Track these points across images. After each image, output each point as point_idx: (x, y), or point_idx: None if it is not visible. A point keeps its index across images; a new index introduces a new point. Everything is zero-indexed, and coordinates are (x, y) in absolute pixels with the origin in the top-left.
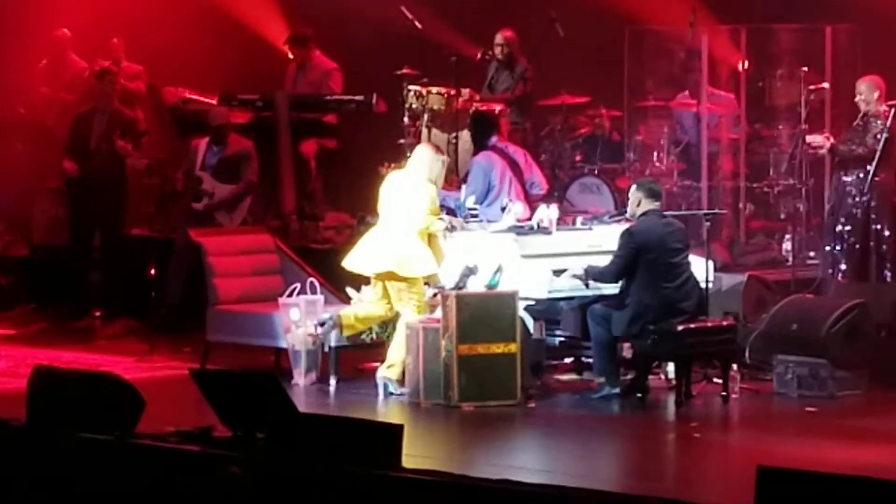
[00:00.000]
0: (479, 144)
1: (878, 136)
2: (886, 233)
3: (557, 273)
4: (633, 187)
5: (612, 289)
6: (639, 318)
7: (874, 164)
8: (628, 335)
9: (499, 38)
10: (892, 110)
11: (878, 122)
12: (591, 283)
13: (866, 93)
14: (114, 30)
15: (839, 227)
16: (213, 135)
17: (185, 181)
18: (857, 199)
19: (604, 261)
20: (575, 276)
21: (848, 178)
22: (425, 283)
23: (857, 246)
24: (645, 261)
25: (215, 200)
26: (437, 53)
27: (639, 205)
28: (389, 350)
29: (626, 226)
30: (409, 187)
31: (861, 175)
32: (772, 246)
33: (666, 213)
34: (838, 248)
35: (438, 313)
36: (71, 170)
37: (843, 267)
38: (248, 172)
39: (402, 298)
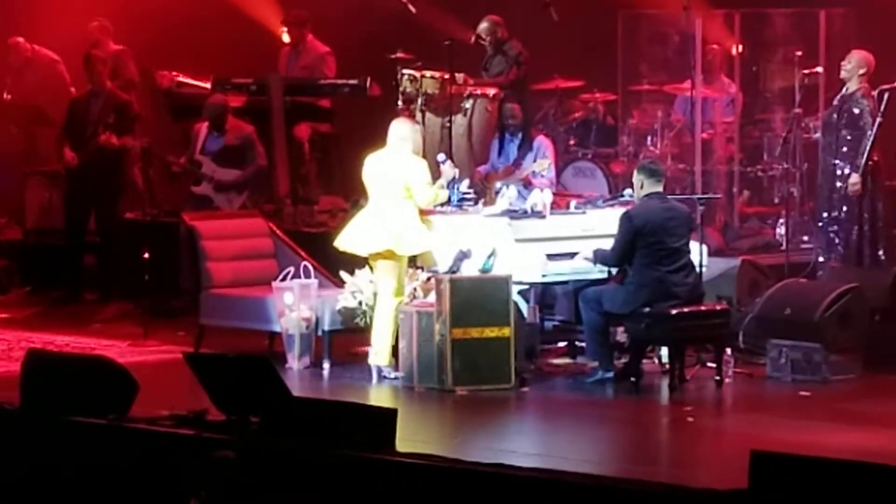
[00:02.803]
0: (525, 128)
1: (869, 117)
2: (881, 210)
3: (565, 256)
4: (635, 171)
5: (613, 272)
6: (632, 299)
7: (868, 147)
8: (620, 315)
9: (479, 29)
10: (886, 94)
11: (864, 102)
12: (599, 266)
13: (853, 64)
14: (107, 12)
15: (835, 212)
16: (212, 122)
17: (187, 164)
18: (850, 186)
19: (599, 244)
20: (586, 258)
21: (838, 162)
22: (419, 268)
23: (854, 228)
24: (643, 243)
25: (224, 184)
26: (432, 37)
27: (641, 187)
28: (372, 337)
29: (620, 210)
30: (397, 164)
31: (853, 160)
32: (765, 230)
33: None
34: (832, 232)
35: (432, 297)
36: (71, 159)
37: (839, 249)
38: (256, 158)
39: (385, 278)
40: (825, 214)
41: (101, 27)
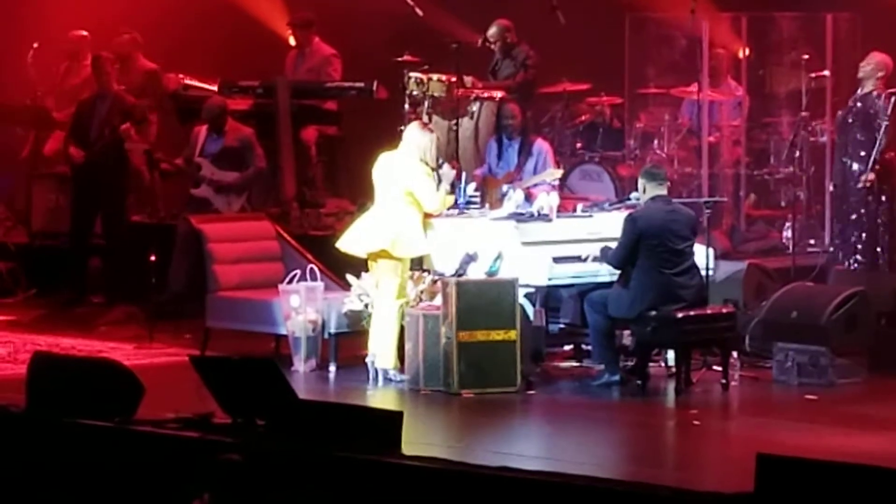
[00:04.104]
0: (525, 131)
1: (885, 119)
2: (893, 212)
3: (571, 259)
4: (639, 175)
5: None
6: (637, 302)
7: (877, 147)
8: (626, 319)
9: (488, 33)
10: (893, 97)
11: (880, 103)
12: (606, 269)
13: (873, 66)
14: (115, 15)
15: (852, 215)
16: (211, 124)
17: (185, 166)
18: (863, 182)
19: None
20: (596, 258)
21: (852, 164)
22: (425, 271)
23: (868, 230)
24: (646, 246)
25: (223, 185)
26: (438, 40)
27: (644, 191)
28: (370, 339)
29: (626, 213)
30: (401, 168)
31: (866, 160)
32: (772, 233)
33: (673, 199)
34: (853, 235)
35: (438, 300)
36: (77, 156)
37: (858, 257)
38: (255, 160)
39: (386, 279)
40: (840, 217)
41: (132, 41)
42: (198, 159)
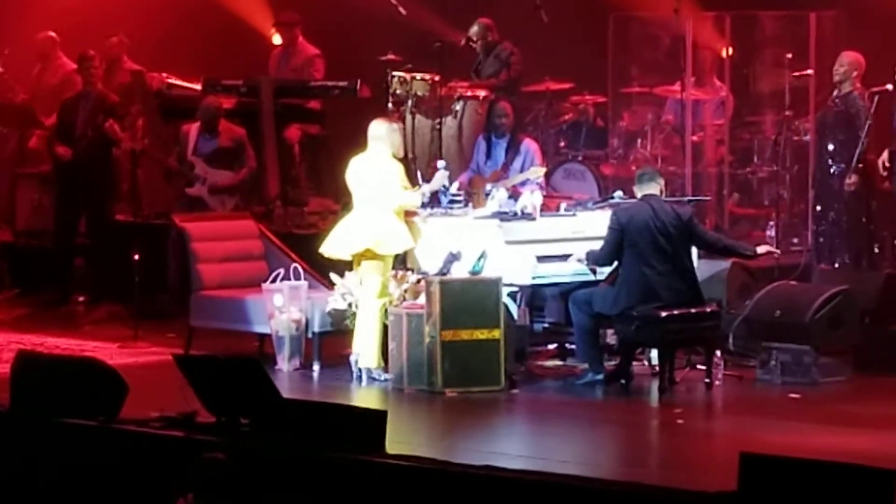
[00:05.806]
0: (514, 129)
1: (865, 118)
2: (875, 211)
3: (555, 258)
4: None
5: (606, 274)
6: (620, 298)
7: (860, 147)
8: (609, 314)
9: (470, 32)
10: (876, 97)
11: (860, 103)
12: (596, 268)
13: (847, 67)
14: (98, 14)
15: (831, 215)
16: (205, 124)
17: (178, 166)
18: (847, 184)
19: (589, 246)
20: (579, 260)
21: (833, 165)
22: (409, 269)
23: (850, 230)
24: (630, 242)
25: (218, 186)
26: (422, 39)
27: (637, 191)
28: (355, 339)
29: (610, 212)
30: (373, 166)
31: (848, 160)
32: (755, 232)
33: (668, 199)
34: (834, 235)
35: (422, 299)
36: (64, 154)
37: (840, 256)
38: (247, 160)
39: (369, 277)
40: (822, 217)
41: (119, 43)
42: (192, 158)
